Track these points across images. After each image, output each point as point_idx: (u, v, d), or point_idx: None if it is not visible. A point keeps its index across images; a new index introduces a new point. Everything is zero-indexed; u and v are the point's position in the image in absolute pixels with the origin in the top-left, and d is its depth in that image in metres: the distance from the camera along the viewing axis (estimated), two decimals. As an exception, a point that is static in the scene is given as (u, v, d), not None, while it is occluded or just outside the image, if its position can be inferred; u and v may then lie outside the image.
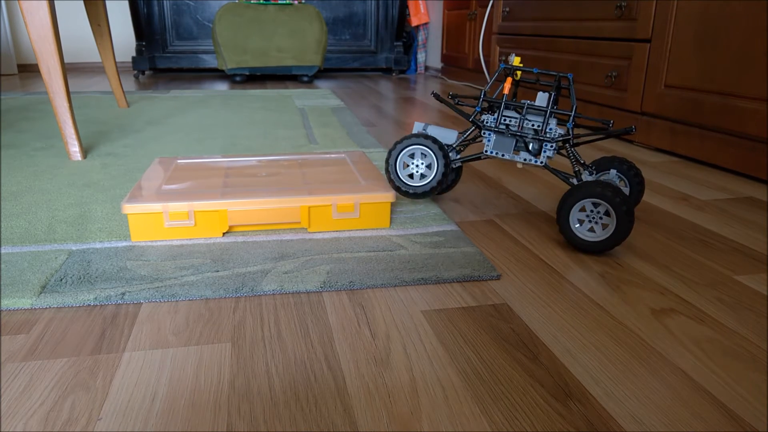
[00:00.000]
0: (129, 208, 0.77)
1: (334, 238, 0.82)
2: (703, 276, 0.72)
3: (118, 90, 1.98)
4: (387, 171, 0.85)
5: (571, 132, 0.82)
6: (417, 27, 3.67)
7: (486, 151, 0.86)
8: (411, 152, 0.84)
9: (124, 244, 0.78)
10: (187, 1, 3.18)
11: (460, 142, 0.87)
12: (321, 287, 0.67)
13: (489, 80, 0.82)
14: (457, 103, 0.91)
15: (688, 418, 0.46)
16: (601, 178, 0.84)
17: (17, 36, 3.55)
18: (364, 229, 0.85)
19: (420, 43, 3.69)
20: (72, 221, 0.86)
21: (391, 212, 0.92)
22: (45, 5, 1.17)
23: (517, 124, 0.83)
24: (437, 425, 0.45)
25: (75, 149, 1.25)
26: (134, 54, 3.75)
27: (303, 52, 2.93)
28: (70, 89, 2.58)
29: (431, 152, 0.82)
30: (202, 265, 0.72)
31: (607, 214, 0.76)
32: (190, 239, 0.80)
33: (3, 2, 3.43)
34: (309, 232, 0.83)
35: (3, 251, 0.75)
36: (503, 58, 2.25)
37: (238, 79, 2.93)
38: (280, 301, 0.64)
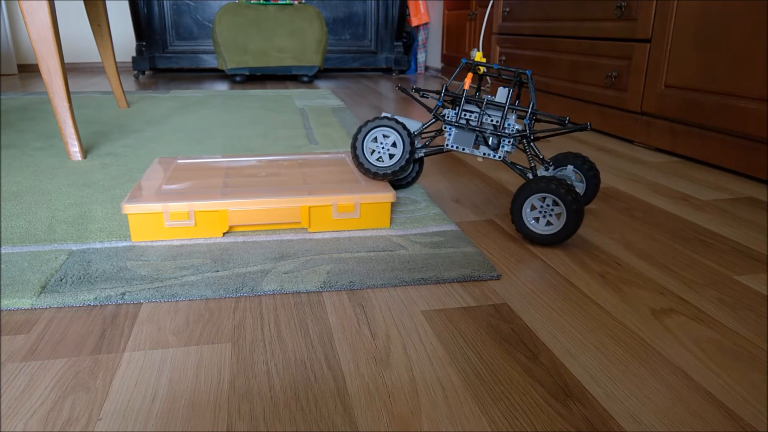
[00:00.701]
0: (129, 208, 0.77)
1: (334, 238, 0.82)
2: (703, 276, 0.72)
3: (118, 90, 1.98)
4: (353, 152, 0.86)
5: (528, 128, 0.84)
6: (417, 27, 3.67)
7: (447, 145, 0.88)
8: (375, 135, 0.85)
9: (124, 244, 0.78)
10: (187, 1, 3.18)
11: (422, 130, 0.89)
12: (321, 287, 0.67)
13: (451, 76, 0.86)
14: (422, 96, 0.93)
15: (688, 418, 0.46)
16: (558, 174, 0.86)
17: (17, 36, 3.55)
18: (364, 229, 0.85)
19: (420, 43, 3.69)
20: (72, 221, 0.86)
21: (391, 212, 0.92)
22: (45, 5, 1.17)
23: (476, 119, 0.85)
24: (437, 425, 0.45)
25: (75, 149, 1.25)
26: (134, 54, 3.75)
27: (303, 52, 2.93)
28: (70, 89, 2.58)
29: (396, 133, 0.84)
30: (202, 265, 0.72)
31: (556, 204, 0.79)
32: (190, 239, 0.80)
33: (3, 2, 3.43)
34: (309, 232, 0.83)
35: (3, 251, 0.75)
36: (503, 58, 2.25)
37: (238, 79, 2.93)
38: (280, 301, 0.64)
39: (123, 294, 0.64)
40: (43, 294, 0.63)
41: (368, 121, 0.85)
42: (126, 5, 3.66)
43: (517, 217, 0.81)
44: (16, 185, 1.05)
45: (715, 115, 1.23)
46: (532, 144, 0.85)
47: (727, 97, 1.21)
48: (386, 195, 0.83)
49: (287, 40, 2.89)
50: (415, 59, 3.76)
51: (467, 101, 0.86)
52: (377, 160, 0.86)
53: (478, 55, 0.85)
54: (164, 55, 3.20)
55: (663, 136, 1.41)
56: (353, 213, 0.83)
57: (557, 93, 1.87)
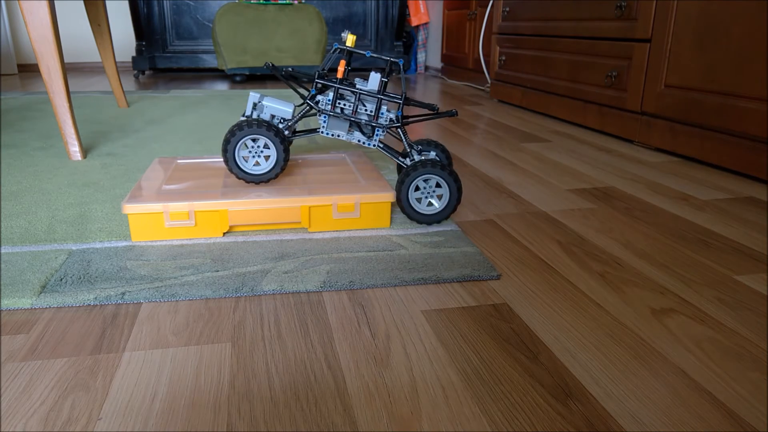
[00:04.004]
0: (129, 208, 0.77)
1: (334, 237, 0.82)
2: (703, 276, 0.72)
3: (118, 90, 1.98)
4: (227, 165, 0.83)
5: (400, 117, 0.86)
6: (417, 27, 3.67)
7: (321, 131, 0.88)
8: (244, 143, 0.84)
9: (124, 244, 0.78)
10: (187, 1, 3.18)
11: (297, 118, 0.88)
12: (321, 287, 0.67)
13: (324, 62, 0.85)
14: (292, 78, 0.92)
15: (688, 418, 0.46)
16: (426, 157, 0.89)
17: (17, 36, 3.55)
18: (365, 229, 0.85)
19: (420, 43, 3.69)
20: (72, 221, 0.86)
21: (391, 212, 0.92)
22: (45, 5, 1.17)
23: (351, 109, 0.86)
24: (437, 425, 0.45)
25: (75, 149, 1.25)
26: (134, 54, 3.74)
27: (303, 52, 2.93)
28: (70, 89, 2.58)
29: (263, 137, 0.82)
30: (202, 265, 0.72)
31: (438, 185, 0.84)
32: (190, 239, 0.80)
33: (3, 2, 3.43)
34: (309, 232, 0.83)
35: (3, 251, 0.75)
36: (503, 58, 2.25)
37: (238, 79, 2.93)
38: (280, 301, 0.64)
39: (123, 294, 0.64)
40: (43, 294, 0.63)
41: (232, 132, 0.82)
42: (126, 5, 3.66)
43: (404, 199, 0.83)
44: (16, 185, 1.05)
45: (715, 115, 1.23)
46: (402, 130, 0.87)
47: (727, 97, 1.21)
48: (386, 195, 0.83)
49: (287, 40, 2.89)
50: (415, 59, 3.76)
51: (341, 88, 0.85)
52: (254, 165, 0.84)
53: (350, 39, 0.84)
54: (164, 55, 3.20)
55: (663, 136, 1.41)
56: (353, 213, 0.83)
57: (557, 93, 1.87)
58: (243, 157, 0.84)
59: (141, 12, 3.09)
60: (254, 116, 0.89)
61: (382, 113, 0.86)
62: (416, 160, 0.86)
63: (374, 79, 0.85)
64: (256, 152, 0.84)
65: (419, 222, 0.85)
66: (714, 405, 0.47)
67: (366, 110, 0.86)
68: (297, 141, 1.47)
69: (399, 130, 0.87)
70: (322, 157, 1.04)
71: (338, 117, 0.86)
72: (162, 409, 0.46)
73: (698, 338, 0.58)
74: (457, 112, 0.87)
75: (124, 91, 2.17)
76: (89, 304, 0.63)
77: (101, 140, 1.46)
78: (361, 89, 0.84)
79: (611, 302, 0.65)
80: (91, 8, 1.78)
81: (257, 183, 0.85)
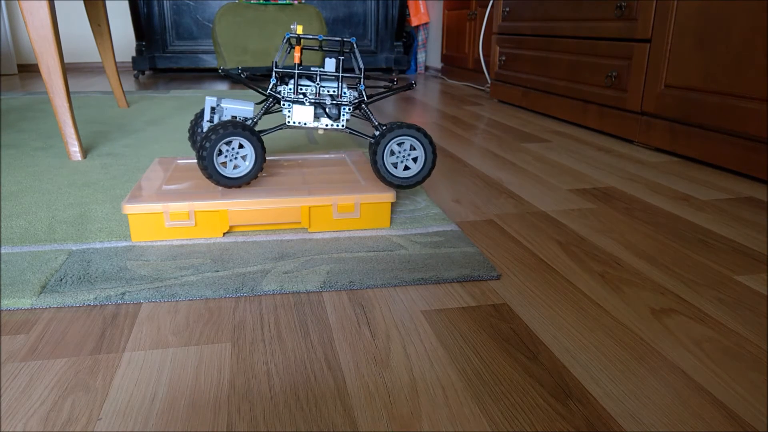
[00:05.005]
0: (129, 208, 0.77)
1: (334, 238, 0.82)
2: (703, 276, 0.72)
3: (118, 90, 1.98)
4: (205, 174, 0.81)
5: (364, 92, 0.86)
6: (417, 27, 3.67)
7: (288, 122, 0.87)
8: (219, 149, 0.82)
9: (124, 244, 0.78)
10: (187, 1, 3.18)
11: (262, 112, 0.87)
12: (321, 287, 0.67)
13: (280, 53, 0.85)
14: (248, 77, 0.90)
15: (688, 418, 0.46)
16: None
17: (17, 36, 3.55)
18: (365, 229, 0.85)
19: (420, 43, 3.69)
20: (72, 221, 0.86)
21: (391, 212, 0.92)
22: (45, 5, 1.17)
23: (314, 92, 0.86)
24: (437, 425, 0.45)
25: (75, 149, 1.25)
26: (134, 54, 3.74)
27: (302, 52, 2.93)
28: (70, 89, 2.58)
29: (237, 137, 0.81)
30: (202, 265, 0.72)
31: (413, 148, 0.85)
32: (190, 239, 0.80)
33: (3, 2, 3.43)
34: (309, 232, 0.83)
35: (3, 251, 0.75)
36: (503, 58, 2.25)
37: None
38: (280, 301, 0.64)
39: (123, 294, 0.64)
40: (43, 294, 0.63)
41: (205, 139, 0.80)
42: (126, 5, 3.66)
43: (380, 163, 0.83)
44: (16, 185, 1.05)
45: (715, 115, 1.23)
46: (368, 109, 0.87)
47: (727, 97, 1.21)
48: (386, 195, 0.83)
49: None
50: (415, 59, 3.76)
51: (299, 75, 0.85)
52: (233, 169, 0.83)
53: (299, 28, 0.85)
54: (164, 55, 3.20)
55: (663, 136, 1.41)
56: (353, 213, 0.83)
57: (557, 93, 1.87)
58: (221, 163, 0.82)
59: (141, 12, 3.09)
60: (214, 120, 0.88)
61: (345, 92, 0.86)
62: (377, 134, 0.86)
63: (330, 63, 0.86)
64: (232, 155, 0.82)
65: (398, 187, 0.85)
66: (714, 405, 0.47)
67: (328, 92, 0.86)
68: (297, 141, 1.47)
69: (365, 108, 0.87)
70: (322, 157, 1.04)
71: (302, 102, 0.85)
72: (162, 409, 0.46)
73: (698, 338, 0.58)
74: (415, 83, 0.87)
75: (124, 92, 2.17)
76: (89, 304, 0.63)
77: (101, 140, 1.46)
78: (320, 70, 0.85)
79: (611, 302, 0.65)
80: (91, 8, 1.78)
81: (240, 186, 0.83)
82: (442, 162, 1.30)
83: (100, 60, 3.71)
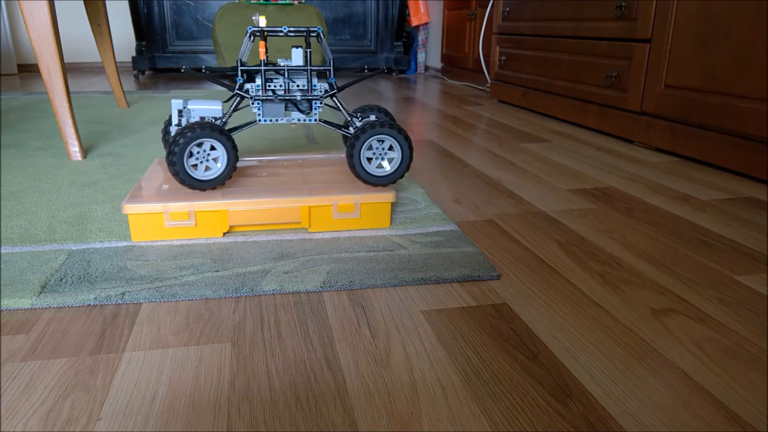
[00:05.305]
0: (129, 208, 0.77)
1: (334, 238, 0.82)
2: (703, 276, 0.72)
3: (118, 90, 1.98)
4: (175, 174, 0.80)
5: (334, 84, 0.85)
6: (417, 27, 3.67)
7: (259, 120, 0.85)
8: (190, 151, 0.80)
9: (124, 244, 0.78)
10: (187, 1, 3.18)
11: (231, 111, 0.85)
12: (321, 287, 0.67)
13: (243, 49, 0.83)
14: (213, 77, 0.90)
15: (688, 418, 0.46)
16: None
17: (17, 36, 3.55)
18: (365, 229, 0.85)
19: (420, 43, 3.69)
20: (72, 221, 0.86)
21: (391, 212, 0.92)
22: (45, 5, 1.17)
23: (283, 88, 0.84)
24: (437, 425, 0.45)
25: (75, 149, 1.25)
26: (134, 54, 3.74)
27: (303, 52, 2.93)
28: (70, 89, 2.58)
29: (209, 139, 0.79)
30: (202, 265, 0.72)
31: (391, 149, 0.84)
32: (190, 239, 0.80)
33: (3, 2, 3.43)
34: (309, 232, 0.83)
35: (3, 251, 0.75)
36: (503, 58, 2.25)
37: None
38: (280, 301, 0.64)
39: (123, 294, 0.64)
40: (43, 294, 0.63)
41: (173, 143, 0.78)
42: (126, 5, 3.66)
43: (357, 162, 0.83)
44: (16, 185, 1.05)
45: (715, 115, 1.23)
46: (338, 100, 0.86)
47: (727, 97, 1.21)
48: (386, 195, 0.83)
49: (287, 39, 2.89)
50: (415, 59, 3.76)
51: (266, 70, 0.84)
52: (205, 171, 0.81)
53: (262, 20, 0.82)
54: (164, 55, 3.20)
55: (663, 136, 1.41)
56: (353, 213, 0.83)
57: (557, 93, 1.87)
58: (192, 165, 0.80)
59: (141, 12, 3.09)
60: (182, 123, 0.87)
61: (315, 85, 0.84)
62: (358, 126, 0.85)
63: (297, 55, 0.83)
64: (203, 157, 0.80)
65: (374, 185, 0.85)
66: (714, 405, 0.47)
67: (298, 86, 0.84)
68: (297, 141, 1.47)
69: (336, 99, 0.86)
70: (322, 157, 1.04)
71: (272, 100, 0.84)
72: (162, 410, 0.46)
73: (698, 338, 0.58)
74: (386, 69, 0.87)
75: (124, 91, 2.17)
76: (89, 304, 0.63)
77: (101, 140, 1.46)
78: (288, 65, 0.83)
79: (611, 302, 0.65)
80: (91, 8, 1.78)
81: (213, 188, 0.82)
82: (442, 162, 1.30)
83: (100, 60, 3.71)
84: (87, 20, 3.64)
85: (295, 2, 2.97)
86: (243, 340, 0.56)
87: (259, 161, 1.01)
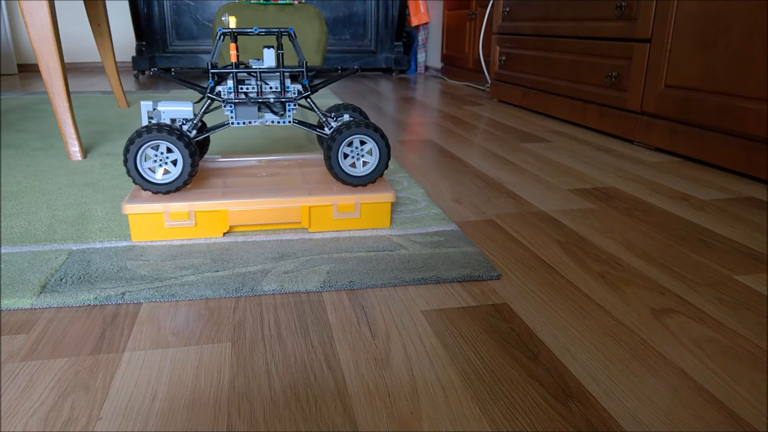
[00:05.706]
0: (129, 209, 0.77)
1: (335, 238, 0.82)
2: (703, 276, 0.72)
3: (118, 90, 1.98)
4: (128, 172, 0.79)
5: (308, 86, 0.84)
6: (417, 27, 3.67)
7: (231, 123, 0.84)
8: (146, 153, 0.79)
9: (124, 244, 0.78)
10: (187, 1, 3.18)
11: (202, 113, 0.83)
12: (321, 287, 0.67)
13: (213, 51, 0.81)
14: (182, 79, 0.88)
15: (688, 418, 0.46)
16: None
17: (17, 36, 3.55)
18: (365, 229, 0.85)
19: (420, 43, 3.69)
20: (72, 221, 0.86)
21: (391, 212, 0.92)
22: (45, 5, 1.17)
23: (255, 91, 0.83)
24: (437, 425, 0.45)
25: (75, 149, 1.25)
26: (134, 54, 3.74)
27: (303, 52, 2.93)
28: (70, 89, 2.58)
29: (163, 142, 0.78)
30: (202, 265, 0.72)
31: (363, 143, 0.84)
32: (190, 239, 0.80)
33: (3, 2, 3.43)
34: (309, 232, 0.83)
35: (3, 251, 0.75)
36: (503, 58, 2.24)
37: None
38: (280, 301, 0.64)
39: (123, 294, 0.64)
40: (43, 294, 0.63)
41: (131, 141, 0.77)
42: (126, 5, 3.66)
43: (335, 163, 0.83)
44: (16, 185, 1.05)
45: (715, 115, 1.23)
46: (312, 100, 0.85)
47: (727, 97, 1.21)
48: (386, 195, 0.83)
49: (287, 39, 2.89)
50: (415, 59, 3.76)
51: (237, 73, 0.82)
52: (164, 174, 0.79)
53: (232, 21, 0.81)
54: (164, 55, 3.20)
55: (663, 136, 1.41)
56: (353, 213, 0.83)
57: (557, 93, 1.87)
58: (149, 168, 0.79)
59: (141, 12, 3.09)
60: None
61: (288, 87, 0.83)
62: (334, 127, 0.85)
63: (269, 56, 0.82)
64: (161, 160, 0.79)
65: (354, 185, 0.85)
66: (714, 405, 0.47)
67: (271, 88, 0.83)
68: (297, 141, 1.47)
69: (310, 100, 0.85)
70: (322, 157, 1.04)
71: (245, 103, 0.83)
72: (162, 409, 0.46)
73: (698, 338, 0.58)
74: (359, 68, 0.86)
75: (124, 91, 2.17)
76: (89, 304, 0.63)
77: (101, 140, 1.46)
78: (260, 68, 0.81)
79: (611, 302, 0.65)
80: (91, 8, 1.78)
81: (169, 192, 0.80)
82: (442, 162, 1.30)
83: (100, 60, 3.71)
84: (87, 20, 3.64)
85: (295, 2, 2.97)
86: (243, 340, 0.56)
87: (259, 161, 1.01)
